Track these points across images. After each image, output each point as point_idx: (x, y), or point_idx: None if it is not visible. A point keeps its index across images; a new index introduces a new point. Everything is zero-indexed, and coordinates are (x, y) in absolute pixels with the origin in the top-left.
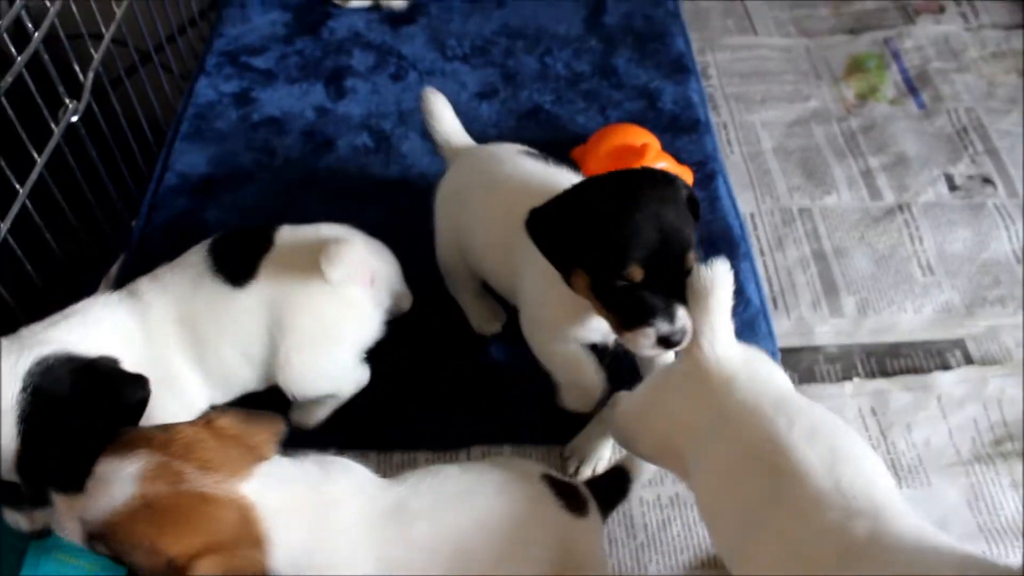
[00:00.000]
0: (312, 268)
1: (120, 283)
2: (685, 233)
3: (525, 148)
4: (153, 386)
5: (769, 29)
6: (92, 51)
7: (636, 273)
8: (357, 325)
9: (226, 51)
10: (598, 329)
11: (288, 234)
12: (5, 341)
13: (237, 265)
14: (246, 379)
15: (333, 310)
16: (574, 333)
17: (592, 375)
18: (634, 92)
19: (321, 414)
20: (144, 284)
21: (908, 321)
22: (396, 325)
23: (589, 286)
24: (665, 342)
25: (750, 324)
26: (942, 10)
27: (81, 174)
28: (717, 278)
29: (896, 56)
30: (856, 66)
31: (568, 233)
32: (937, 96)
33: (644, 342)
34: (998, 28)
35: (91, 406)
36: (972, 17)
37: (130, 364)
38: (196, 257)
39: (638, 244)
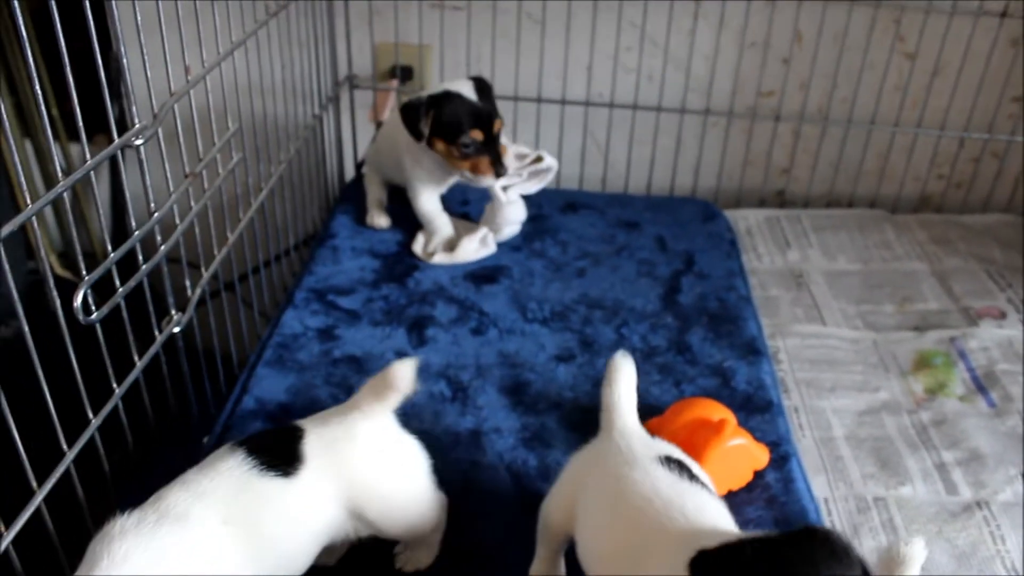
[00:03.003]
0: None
1: None
2: None
3: (666, 452)
4: None
5: (837, 320)
6: (203, 270)
7: None
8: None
9: (315, 288)
10: None
11: (308, 421)
12: None
13: (281, 457)
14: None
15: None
16: None
17: None
18: (708, 369)
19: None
20: (172, 494)
21: None
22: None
23: None
24: None
25: None
26: (1003, 315)
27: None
28: None
29: (962, 355)
30: (923, 362)
31: None
32: (1007, 396)
33: None
34: None
35: None
36: None
37: None
38: (231, 460)
39: None
